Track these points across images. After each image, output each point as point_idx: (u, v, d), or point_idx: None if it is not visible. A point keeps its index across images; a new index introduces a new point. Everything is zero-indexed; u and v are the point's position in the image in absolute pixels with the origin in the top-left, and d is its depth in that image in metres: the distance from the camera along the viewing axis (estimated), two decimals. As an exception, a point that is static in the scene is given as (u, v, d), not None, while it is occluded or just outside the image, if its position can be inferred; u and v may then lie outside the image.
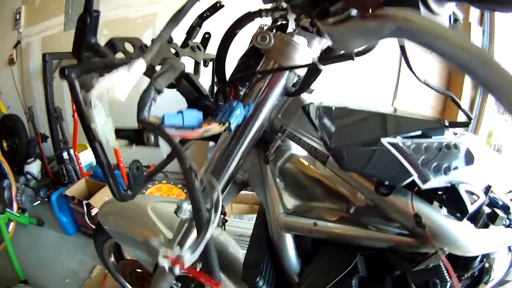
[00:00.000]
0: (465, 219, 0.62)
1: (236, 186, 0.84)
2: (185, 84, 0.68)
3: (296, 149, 0.69)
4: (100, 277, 1.77)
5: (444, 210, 0.63)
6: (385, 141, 0.56)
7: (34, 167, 2.43)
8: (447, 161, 0.61)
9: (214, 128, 0.53)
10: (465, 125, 0.71)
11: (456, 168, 0.61)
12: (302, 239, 0.77)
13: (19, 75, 2.92)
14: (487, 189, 0.72)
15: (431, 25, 0.30)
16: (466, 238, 0.63)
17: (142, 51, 0.52)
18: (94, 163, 2.36)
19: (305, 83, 0.59)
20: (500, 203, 0.78)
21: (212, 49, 0.70)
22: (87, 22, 0.45)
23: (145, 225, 1.06)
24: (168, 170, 2.30)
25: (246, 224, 1.65)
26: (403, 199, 0.59)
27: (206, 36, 0.73)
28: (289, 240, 0.74)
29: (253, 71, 0.60)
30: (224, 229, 1.23)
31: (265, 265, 0.79)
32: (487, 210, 0.70)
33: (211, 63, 0.78)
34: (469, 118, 0.71)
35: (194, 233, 0.78)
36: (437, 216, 0.61)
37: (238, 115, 0.55)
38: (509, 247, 0.82)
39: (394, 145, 0.57)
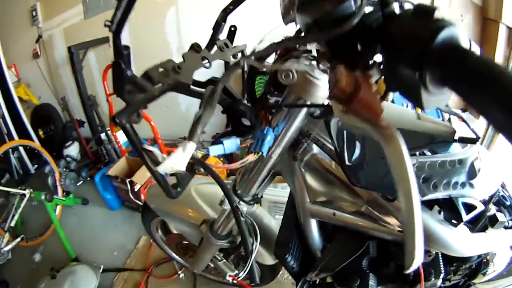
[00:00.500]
0: (461, 225, 0.72)
1: (271, 176, 0.93)
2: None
3: (319, 150, 0.80)
4: (146, 247, 1.96)
5: (441, 216, 0.73)
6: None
7: (73, 150, 2.58)
8: (448, 178, 0.69)
9: (250, 158, 0.63)
10: (472, 141, 0.75)
11: (456, 183, 0.70)
12: (325, 223, 0.89)
13: (46, 66, 3.03)
14: (491, 197, 0.79)
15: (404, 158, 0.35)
16: (459, 243, 0.74)
17: (176, 72, 0.56)
18: None
19: (327, 112, 0.68)
20: (508, 203, 0.86)
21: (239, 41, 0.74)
22: (121, 65, 0.50)
23: (190, 205, 1.22)
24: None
25: (280, 192, 1.79)
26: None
27: (232, 29, 0.73)
28: (313, 224, 0.88)
29: (279, 105, 0.67)
30: (260, 205, 1.39)
31: (293, 244, 0.95)
32: (490, 213, 0.77)
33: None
34: (477, 137, 0.75)
35: (233, 221, 0.99)
36: (433, 222, 0.72)
37: (269, 141, 0.65)
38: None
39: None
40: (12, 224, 1.96)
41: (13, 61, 2.94)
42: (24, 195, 2.04)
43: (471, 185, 0.73)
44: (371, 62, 0.45)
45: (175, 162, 0.52)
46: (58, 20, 2.83)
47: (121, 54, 0.50)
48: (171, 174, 0.65)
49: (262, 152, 0.63)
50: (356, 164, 0.71)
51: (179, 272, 1.77)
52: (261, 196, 1.10)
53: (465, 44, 0.34)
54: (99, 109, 2.40)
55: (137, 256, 1.93)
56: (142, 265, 1.87)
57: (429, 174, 0.68)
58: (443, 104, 0.40)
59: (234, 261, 1.38)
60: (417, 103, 0.38)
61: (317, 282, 1.00)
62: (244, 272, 1.00)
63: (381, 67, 0.45)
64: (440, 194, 0.70)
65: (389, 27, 0.39)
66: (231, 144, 0.63)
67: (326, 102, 0.64)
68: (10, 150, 2.52)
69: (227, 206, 0.91)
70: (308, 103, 0.63)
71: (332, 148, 0.74)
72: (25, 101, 2.98)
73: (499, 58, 1.98)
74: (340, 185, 0.80)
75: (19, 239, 1.95)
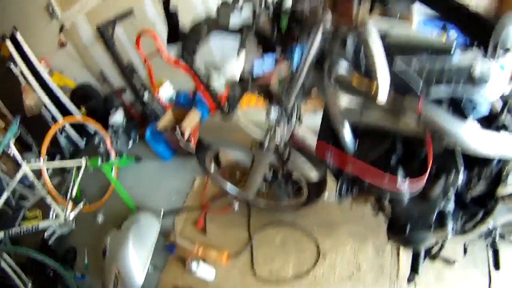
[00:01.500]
0: (470, 119, 0.86)
1: (306, 90, 1.13)
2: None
3: (342, 66, 0.95)
4: (201, 187, 2.18)
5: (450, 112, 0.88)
6: (398, 61, 0.85)
7: (118, 116, 2.76)
8: (448, 78, 0.83)
9: (283, 67, 0.93)
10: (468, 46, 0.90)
11: (458, 80, 0.83)
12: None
13: (75, 51, 3.20)
14: (506, 101, 0.91)
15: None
16: (470, 135, 0.87)
17: (215, 20, 0.88)
18: (174, 95, 2.71)
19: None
20: None
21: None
22: (174, 24, 0.76)
23: (240, 131, 1.40)
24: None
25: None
26: (415, 102, 0.87)
27: None
28: (346, 126, 1.06)
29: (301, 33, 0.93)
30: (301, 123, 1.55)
31: (331, 143, 1.13)
32: (503, 118, 0.89)
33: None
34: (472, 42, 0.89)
35: (279, 132, 1.19)
36: (441, 115, 0.87)
37: (298, 52, 0.90)
38: None
39: (401, 68, 0.84)
40: (73, 194, 2.08)
41: (41, 55, 3.06)
42: (80, 166, 2.18)
43: (475, 88, 0.86)
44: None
45: (232, 72, 0.74)
46: (77, 8, 2.94)
47: (172, 17, 0.82)
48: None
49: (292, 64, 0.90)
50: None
51: (234, 205, 1.97)
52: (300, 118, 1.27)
53: None
54: (138, 74, 2.56)
55: (193, 197, 2.15)
56: (199, 204, 2.09)
57: (430, 75, 0.84)
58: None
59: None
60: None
61: (354, 182, 1.17)
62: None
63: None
64: (442, 91, 0.85)
65: None
66: (268, 60, 0.89)
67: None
68: (58, 131, 2.72)
69: (272, 117, 1.10)
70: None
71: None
72: (62, 87, 3.16)
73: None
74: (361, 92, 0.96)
75: (81, 204, 2.08)
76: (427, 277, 1.57)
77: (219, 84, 0.96)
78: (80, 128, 2.97)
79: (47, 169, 2.38)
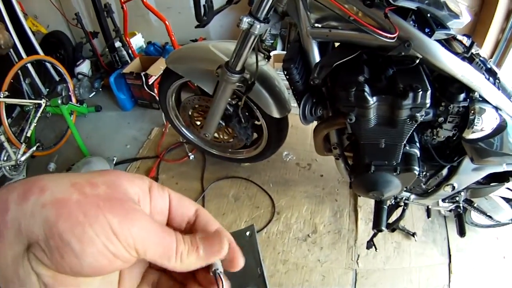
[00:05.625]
0: (436, 36, 0.88)
1: (277, 15, 1.11)
2: None
3: None
4: (157, 137, 2.07)
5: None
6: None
7: (84, 67, 2.64)
8: None
9: None
10: None
11: None
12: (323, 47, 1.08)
13: (54, -6, 3.05)
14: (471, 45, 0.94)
15: None
16: (437, 50, 0.88)
17: None
18: (144, 46, 2.64)
19: None
20: (488, 67, 0.99)
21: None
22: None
23: (208, 56, 1.34)
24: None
25: None
26: (381, 9, 0.87)
27: None
28: (314, 45, 1.06)
29: None
30: (269, 61, 1.46)
31: (297, 62, 1.09)
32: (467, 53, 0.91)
33: None
34: None
35: (245, 55, 1.16)
36: (409, 26, 0.88)
37: None
38: (496, 108, 0.98)
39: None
40: (28, 134, 1.96)
41: None
42: (39, 105, 2.05)
43: (439, 9, 0.88)
44: None
45: None
46: None
47: None
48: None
49: None
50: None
51: (190, 154, 1.87)
52: (269, 53, 1.20)
53: None
54: (113, 16, 2.44)
55: (149, 146, 2.04)
56: (154, 153, 1.98)
57: None
58: None
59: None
60: None
61: (318, 102, 1.12)
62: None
63: None
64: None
65: None
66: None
67: None
68: (20, 73, 2.57)
69: (244, 25, 1.04)
70: None
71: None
72: (34, 32, 3.01)
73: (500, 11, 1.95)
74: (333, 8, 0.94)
75: (34, 148, 1.97)
76: (386, 247, 1.52)
77: None
78: (44, 75, 2.82)
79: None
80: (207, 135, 1.48)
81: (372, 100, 0.93)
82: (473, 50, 0.97)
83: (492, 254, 1.52)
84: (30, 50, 2.78)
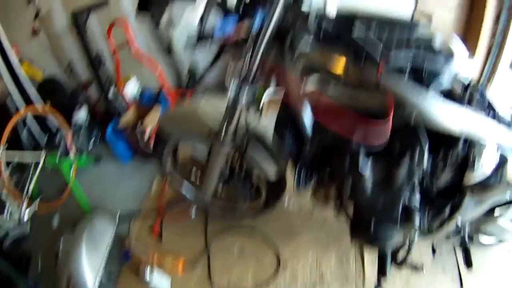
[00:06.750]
0: (432, 91, 0.83)
1: (267, 70, 1.05)
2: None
3: (304, 44, 0.90)
4: (158, 190, 2.07)
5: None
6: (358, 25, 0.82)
7: (81, 113, 2.62)
8: (406, 43, 0.81)
9: (244, 27, 0.82)
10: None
11: (418, 47, 0.81)
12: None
13: (47, 40, 3.05)
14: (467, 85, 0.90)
15: None
16: (432, 105, 0.83)
17: None
18: (140, 91, 2.63)
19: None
20: (486, 104, 0.96)
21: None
22: None
23: (198, 122, 1.32)
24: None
25: None
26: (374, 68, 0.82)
27: None
28: (306, 109, 0.99)
29: None
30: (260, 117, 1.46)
31: (289, 127, 1.08)
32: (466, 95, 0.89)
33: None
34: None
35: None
36: (403, 84, 0.83)
37: (259, 18, 0.83)
38: (497, 146, 0.96)
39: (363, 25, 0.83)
40: (30, 190, 1.96)
41: (13, 42, 2.84)
42: (37, 163, 2.05)
43: (436, 54, 0.85)
44: None
45: (189, 16, 0.64)
46: None
47: None
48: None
49: (254, 26, 0.82)
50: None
51: (191, 211, 1.87)
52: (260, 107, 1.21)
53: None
54: (105, 67, 2.45)
55: (151, 200, 2.03)
56: (156, 207, 1.98)
57: (389, 38, 0.83)
58: None
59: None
60: None
61: (313, 170, 1.11)
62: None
63: None
64: (404, 57, 0.83)
65: None
66: (229, 22, 0.77)
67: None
68: (21, 123, 2.58)
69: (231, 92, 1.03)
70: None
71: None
72: (29, 77, 3.03)
73: (488, 17, 1.96)
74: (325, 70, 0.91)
75: (37, 201, 1.96)
76: (394, 285, 1.50)
77: (180, 41, 0.89)
78: (42, 124, 2.84)
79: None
80: (205, 198, 1.48)
81: (368, 167, 0.93)
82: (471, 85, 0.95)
83: (505, 269, 1.49)
84: (27, 98, 2.80)
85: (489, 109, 0.96)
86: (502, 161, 0.98)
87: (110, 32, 2.22)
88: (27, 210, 1.88)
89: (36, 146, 2.79)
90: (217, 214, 1.80)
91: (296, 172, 1.10)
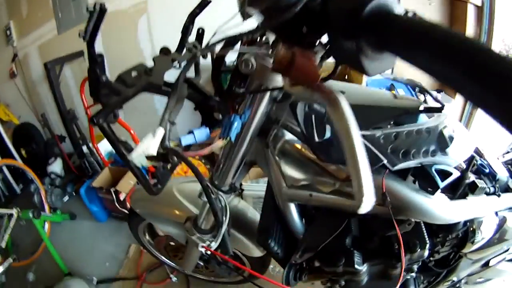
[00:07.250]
0: (438, 192, 0.74)
1: (246, 166, 0.97)
2: (190, 91, 0.74)
3: (290, 135, 0.82)
4: (136, 255, 1.96)
5: (416, 185, 0.75)
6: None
7: (56, 166, 2.56)
8: (417, 146, 0.71)
9: (219, 143, 0.66)
10: (438, 110, 0.79)
11: (426, 151, 0.72)
12: (305, 206, 0.92)
13: (23, 85, 2.99)
14: (470, 161, 0.82)
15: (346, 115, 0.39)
16: (439, 210, 0.75)
17: (148, 74, 0.61)
18: (113, 152, 2.50)
19: (287, 95, 0.73)
20: (487, 170, 0.88)
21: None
22: (96, 70, 0.54)
23: (173, 205, 1.22)
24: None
25: (263, 186, 1.79)
26: (378, 178, 0.71)
27: (200, 32, 0.75)
28: (293, 208, 0.90)
29: (242, 93, 0.71)
30: (242, 198, 1.39)
31: (275, 230, 0.97)
32: (469, 180, 0.80)
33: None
34: (442, 105, 0.78)
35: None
36: (408, 191, 0.74)
37: (236, 127, 0.67)
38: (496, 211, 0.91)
39: (365, 136, 0.69)
40: (3, 245, 1.89)
41: None
42: (11, 215, 1.97)
43: (443, 153, 0.75)
44: (317, 42, 0.49)
45: (146, 146, 0.56)
46: (32, 37, 2.80)
47: (96, 61, 0.55)
48: (153, 175, 0.69)
49: (230, 138, 0.66)
50: (325, 142, 0.73)
51: (172, 275, 1.77)
52: (241, 186, 1.12)
53: (396, 10, 0.36)
54: (78, 122, 2.39)
55: (129, 265, 1.92)
56: (134, 273, 1.87)
57: (397, 144, 0.71)
58: (387, 68, 0.42)
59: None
60: (361, 70, 0.40)
61: (304, 266, 1.03)
62: (216, 242, 0.99)
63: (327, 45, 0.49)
64: (411, 163, 0.72)
65: (327, 7, 0.42)
66: (201, 133, 0.65)
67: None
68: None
69: (205, 198, 0.92)
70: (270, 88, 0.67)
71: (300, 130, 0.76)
72: (5, 122, 2.94)
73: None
74: (314, 167, 0.82)
75: (11, 259, 1.86)
76: None
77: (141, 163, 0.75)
78: (17, 173, 2.73)
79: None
80: (186, 272, 1.40)
81: (363, 268, 0.85)
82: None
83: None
84: (1, 144, 2.70)
85: (490, 179, 0.89)
86: (501, 222, 0.93)
87: (83, 87, 2.13)
88: (1, 267, 1.79)
89: (11, 195, 2.68)
90: (199, 279, 1.71)
91: (285, 271, 0.98)
